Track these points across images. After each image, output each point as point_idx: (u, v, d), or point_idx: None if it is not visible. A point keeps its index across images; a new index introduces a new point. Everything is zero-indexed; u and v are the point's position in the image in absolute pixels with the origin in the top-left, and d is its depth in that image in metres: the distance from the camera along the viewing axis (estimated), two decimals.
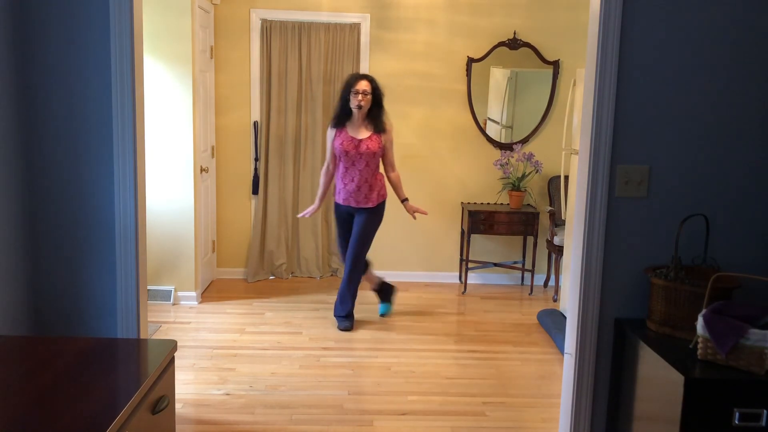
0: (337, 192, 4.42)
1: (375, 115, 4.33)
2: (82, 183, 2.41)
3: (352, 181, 4.31)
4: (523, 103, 5.64)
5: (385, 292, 4.79)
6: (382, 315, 4.74)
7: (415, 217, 4.57)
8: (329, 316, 4.65)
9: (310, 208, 4.57)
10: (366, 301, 5.12)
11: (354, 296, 4.50)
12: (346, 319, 4.46)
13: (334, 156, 4.40)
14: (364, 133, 4.31)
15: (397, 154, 5.50)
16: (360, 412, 3.28)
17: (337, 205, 4.49)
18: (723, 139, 2.41)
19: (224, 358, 3.90)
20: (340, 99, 4.37)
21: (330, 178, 4.50)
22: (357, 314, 4.68)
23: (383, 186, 4.46)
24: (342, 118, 4.32)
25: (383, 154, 4.39)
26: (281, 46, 5.34)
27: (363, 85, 4.25)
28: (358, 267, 4.46)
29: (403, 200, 4.52)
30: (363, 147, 4.28)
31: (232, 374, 3.67)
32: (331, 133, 4.37)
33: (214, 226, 5.46)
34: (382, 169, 4.47)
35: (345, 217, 4.49)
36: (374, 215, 4.42)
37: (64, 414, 1.44)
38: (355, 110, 4.26)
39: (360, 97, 4.23)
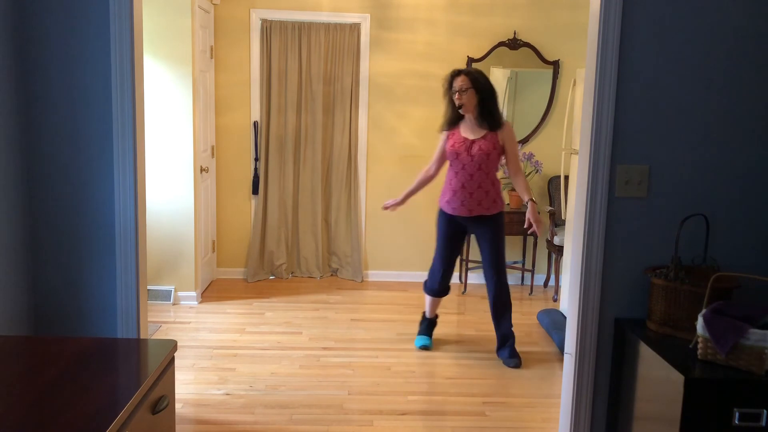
0: (446, 200, 3.98)
1: (486, 110, 3.84)
2: (82, 183, 2.41)
3: (463, 187, 3.86)
4: (523, 103, 5.64)
5: (430, 324, 4.31)
6: (423, 347, 4.17)
7: (528, 227, 3.89)
8: (329, 316, 4.66)
9: (393, 201, 4.15)
10: (366, 300, 5.12)
11: (510, 313, 4.09)
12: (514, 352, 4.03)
13: (439, 159, 4.05)
14: (478, 133, 3.86)
15: (397, 154, 5.53)
16: (360, 412, 3.28)
17: (442, 213, 4.04)
18: (723, 139, 2.41)
19: (224, 358, 3.90)
20: (446, 100, 3.97)
21: (425, 180, 4.12)
22: (357, 314, 4.68)
23: (500, 192, 3.97)
24: (454, 119, 3.93)
25: (504, 153, 3.90)
26: (281, 46, 5.34)
27: (458, 82, 3.83)
28: (506, 281, 4.04)
29: (528, 200, 3.87)
30: (475, 148, 3.82)
31: (232, 374, 3.67)
32: (443, 136, 4.01)
33: (214, 226, 5.47)
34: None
35: (453, 229, 4.02)
36: (496, 224, 3.96)
37: (64, 414, 1.44)
38: (461, 111, 3.88)
39: (458, 95, 3.83)
